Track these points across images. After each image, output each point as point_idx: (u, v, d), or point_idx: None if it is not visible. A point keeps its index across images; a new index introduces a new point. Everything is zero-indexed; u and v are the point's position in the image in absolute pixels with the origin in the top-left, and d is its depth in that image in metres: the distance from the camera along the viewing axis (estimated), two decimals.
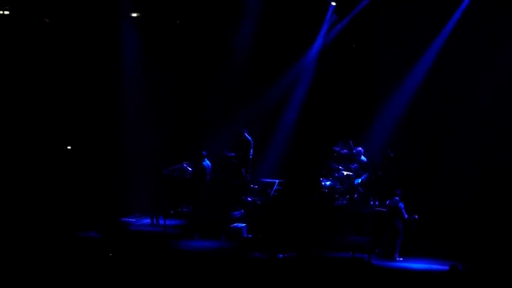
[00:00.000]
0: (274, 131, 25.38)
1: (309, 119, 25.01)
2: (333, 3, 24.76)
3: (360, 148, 22.54)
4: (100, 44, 24.47)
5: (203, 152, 22.95)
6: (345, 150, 22.73)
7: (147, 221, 23.01)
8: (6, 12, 23.49)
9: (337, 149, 22.74)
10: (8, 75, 23.20)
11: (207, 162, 22.96)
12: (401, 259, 19.04)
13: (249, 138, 23.65)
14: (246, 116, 25.01)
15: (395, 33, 23.66)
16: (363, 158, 22.29)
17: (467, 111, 22.80)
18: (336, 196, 21.92)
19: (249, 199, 22.66)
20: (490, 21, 22.59)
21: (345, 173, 22.15)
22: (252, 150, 23.60)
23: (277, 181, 23.20)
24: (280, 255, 17.47)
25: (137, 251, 17.91)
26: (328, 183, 22.17)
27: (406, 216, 19.35)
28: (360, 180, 21.90)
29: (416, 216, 19.36)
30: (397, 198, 19.48)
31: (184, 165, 23.24)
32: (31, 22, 23.46)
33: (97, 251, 17.68)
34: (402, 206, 19.44)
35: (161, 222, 22.12)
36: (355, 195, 21.73)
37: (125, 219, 22.93)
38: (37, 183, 22.54)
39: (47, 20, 23.89)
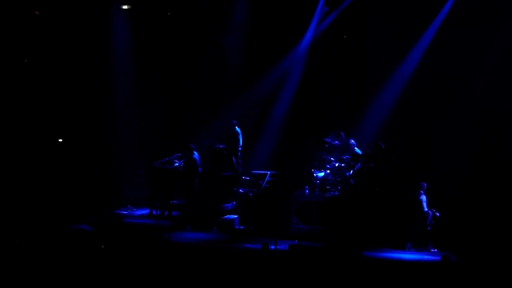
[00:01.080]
0: (266, 123, 25.50)
1: (300, 110, 25.11)
2: None
3: (352, 140, 22.54)
4: (90, 36, 24.41)
5: (191, 145, 23.03)
6: (336, 142, 22.80)
7: (139, 212, 23.08)
8: None
9: (328, 140, 22.79)
10: None
11: (196, 155, 22.96)
12: (435, 250, 19.04)
13: (238, 130, 23.68)
14: (237, 108, 25.13)
15: (386, 25, 23.71)
16: (356, 149, 22.28)
17: (458, 103, 22.80)
18: (328, 187, 21.85)
19: (241, 191, 22.73)
20: (480, 12, 22.56)
21: (337, 164, 22.15)
22: (240, 142, 23.61)
23: (268, 173, 23.19)
24: (272, 247, 17.44)
25: (129, 243, 17.83)
26: (320, 174, 22.18)
27: (426, 209, 19.31)
28: (351, 171, 21.83)
29: (438, 214, 19.35)
30: (422, 191, 19.53)
31: (175, 158, 23.28)
32: (21, 14, 23.18)
33: (89, 243, 17.70)
34: (424, 199, 19.50)
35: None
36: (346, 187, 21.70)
37: (117, 211, 23.05)
38: (29, 176, 22.49)
39: (38, 13, 23.61)
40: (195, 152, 23.14)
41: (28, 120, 23.40)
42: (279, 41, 25.14)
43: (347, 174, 21.90)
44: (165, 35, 25.64)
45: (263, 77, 25.56)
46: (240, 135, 23.85)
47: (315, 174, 22.19)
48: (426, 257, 18.32)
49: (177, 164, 23.26)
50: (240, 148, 23.92)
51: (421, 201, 19.62)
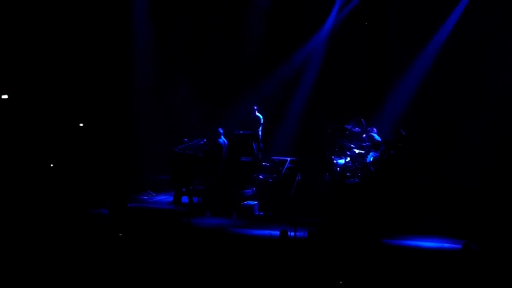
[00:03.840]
0: (286, 109, 25.52)
1: (321, 97, 24.98)
2: None
3: (374, 128, 22.49)
4: (110, 19, 24.39)
5: (219, 130, 22.91)
6: (357, 129, 22.77)
7: (160, 198, 23.11)
8: None
9: (349, 127, 22.75)
10: (20, 51, 22.91)
11: (223, 139, 22.92)
12: None
13: (259, 115, 23.60)
14: (258, 93, 25.23)
15: (407, 11, 23.55)
16: (375, 136, 22.22)
17: (479, 91, 22.66)
18: (348, 174, 21.75)
19: (261, 177, 22.67)
20: None
21: (357, 151, 22.10)
22: (261, 127, 23.53)
23: (288, 159, 23.11)
24: (291, 234, 17.40)
25: (147, 228, 17.96)
26: (340, 161, 22.13)
27: None
28: (371, 158, 21.75)
29: None
30: None
31: (201, 142, 23.21)
32: None
33: (105, 227, 17.84)
34: None
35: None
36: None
37: (138, 196, 23.15)
38: (51, 161, 22.62)
39: None
40: (222, 137, 23.05)
41: (49, 105, 23.38)
42: (300, 27, 25.19)
43: (367, 161, 21.77)
44: (186, 18, 25.57)
45: (284, 63, 25.58)
46: (261, 120, 23.69)
47: (335, 161, 22.15)
48: (446, 245, 18.18)
49: (205, 148, 23.01)
50: (260, 133, 23.73)
51: None
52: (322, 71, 25.25)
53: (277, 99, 25.34)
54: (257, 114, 23.67)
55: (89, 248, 15.81)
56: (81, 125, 24.04)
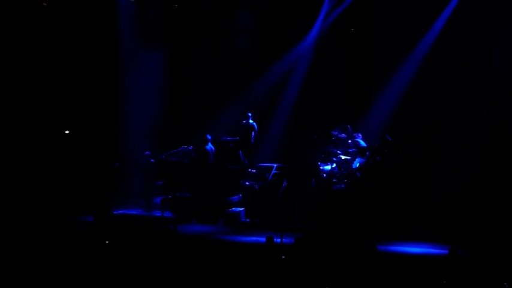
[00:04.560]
0: (272, 116, 25.39)
1: (307, 103, 24.97)
2: None
3: (359, 133, 22.56)
4: (97, 29, 24.36)
5: (207, 136, 22.98)
6: (343, 135, 22.77)
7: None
8: None
9: (335, 133, 22.74)
10: (6, 58, 23.08)
11: (210, 146, 22.97)
12: None
13: (253, 122, 23.63)
14: (244, 100, 25.11)
15: (394, 17, 23.59)
16: (361, 142, 22.25)
17: (465, 97, 22.62)
18: (334, 181, 21.72)
19: (247, 183, 22.61)
20: (489, 4, 22.50)
21: (343, 157, 22.07)
22: (253, 134, 23.57)
23: (275, 165, 23.04)
24: (277, 240, 17.35)
25: (133, 235, 17.90)
26: (327, 167, 22.10)
27: None
28: (357, 164, 21.74)
29: None
30: None
31: (188, 148, 23.15)
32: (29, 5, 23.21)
33: (91, 234, 17.76)
34: None
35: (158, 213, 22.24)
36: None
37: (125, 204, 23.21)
38: (38, 169, 22.60)
39: (45, 4, 23.69)
40: (210, 144, 23.02)
41: (35, 113, 23.40)
42: (286, 34, 25.08)
43: (353, 167, 21.76)
44: (172, 26, 25.57)
45: (270, 70, 25.50)
46: (256, 127, 23.71)
47: (321, 167, 22.09)
48: (433, 250, 18.18)
49: (191, 154, 22.94)
50: (252, 141, 23.73)
51: None
52: (308, 77, 25.19)
53: (263, 105, 25.29)
54: (251, 121, 23.55)
55: (74, 255, 15.75)
56: (67, 132, 24.00)
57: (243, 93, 25.27)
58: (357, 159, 21.93)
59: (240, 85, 25.33)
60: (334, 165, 22.06)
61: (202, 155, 22.84)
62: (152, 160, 22.91)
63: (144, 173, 22.95)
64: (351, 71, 24.48)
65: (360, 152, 21.99)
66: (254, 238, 19.10)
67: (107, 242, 16.75)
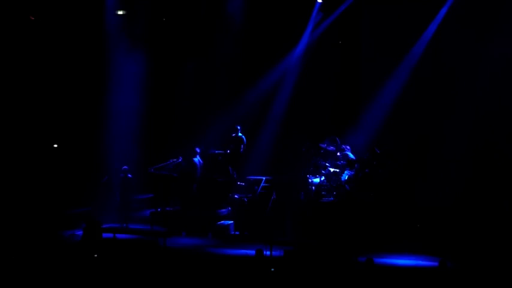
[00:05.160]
0: (261, 128, 25.47)
1: (296, 116, 25.08)
2: (319, 0, 24.86)
3: (347, 146, 22.61)
4: (85, 42, 24.28)
5: (196, 149, 23.05)
6: (332, 147, 22.75)
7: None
8: None
9: (323, 145, 22.68)
10: None
11: (198, 159, 23.02)
12: None
13: (242, 135, 23.62)
14: (232, 113, 25.10)
15: (381, 31, 23.92)
16: (350, 155, 22.29)
17: (454, 107, 22.78)
18: (323, 193, 21.75)
19: (236, 196, 22.56)
20: (475, 17, 22.68)
21: (332, 169, 22.09)
22: (242, 147, 23.52)
23: (264, 178, 23.05)
24: (267, 253, 17.39)
25: (122, 248, 17.89)
26: (316, 180, 22.10)
27: None
28: (346, 177, 21.78)
29: None
30: None
31: (177, 161, 23.07)
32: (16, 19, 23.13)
33: (80, 248, 17.78)
34: None
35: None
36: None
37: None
38: (25, 181, 22.49)
39: (32, 18, 23.60)
40: (198, 156, 23.01)
41: (24, 126, 23.24)
42: (274, 46, 25.20)
43: (342, 179, 21.80)
44: (160, 39, 25.59)
45: (258, 83, 25.56)
46: (245, 140, 23.62)
47: (310, 180, 22.09)
48: (422, 262, 18.19)
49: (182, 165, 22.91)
50: (241, 154, 23.63)
51: None
52: (296, 89, 25.28)
53: (252, 117, 25.25)
54: (240, 134, 23.55)
55: (63, 269, 15.77)
56: (55, 145, 24.03)
57: (232, 105, 25.32)
58: (345, 172, 22.00)
59: (228, 97, 25.42)
60: (323, 177, 22.09)
61: (191, 167, 22.79)
62: (130, 175, 22.82)
63: (121, 187, 22.80)
64: (338, 83, 24.69)
65: (348, 164, 22.05)
66: (244, 251, 19.05)
67: (95, 255, 16.78)
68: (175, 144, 24.42)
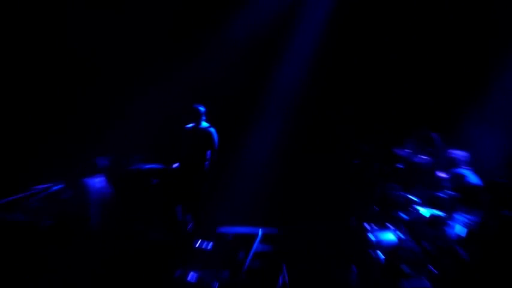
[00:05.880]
0: (248, 117, 19.77)
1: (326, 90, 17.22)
2: None
3: (463, 152, 11.78)
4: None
5: (99, 161, 16.15)
6: (424, 157, 12.16)
7: None
8: None
9: (403, 153, 12.24)
10: None
11: (102, 185, 15.24)
12: None
13: (210, 128, 13.99)
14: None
15: None
16: (468, 175, 11.22)
17: None
18: (406, 270, 12.28)
19: (192, 279, 10.59)
20: None
21: (424, 209, 12.84)
22: (211, 153, 14.54)
23: (260, 231, 11.15)
24: None
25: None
26: (388, 236, 11.79)
27: None
28: (463, 229, 10.80)
29: None
30: None
31: (57, 188, 16.25)
32: None
33: None
34: None
35: None
36: None
37: None
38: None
39: None
40: (101, 177, 11.93)
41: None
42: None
43: (452, 235, 11.63)
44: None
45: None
46: (215, 139, 12.13)
47: (373, 235, 15.03)
48: None
49: None
50: (206, 169, 11.92)
51: None
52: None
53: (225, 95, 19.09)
54: (205, 124, 17.09)
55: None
56: None
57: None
58: (459, 216, 12.16)
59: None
60: (403, 228, 13.07)
61: (80, 205, 15.64)
62: None
63: None
64: None
65: (466, 197, 13.37)
66: None
67: None
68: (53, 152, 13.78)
